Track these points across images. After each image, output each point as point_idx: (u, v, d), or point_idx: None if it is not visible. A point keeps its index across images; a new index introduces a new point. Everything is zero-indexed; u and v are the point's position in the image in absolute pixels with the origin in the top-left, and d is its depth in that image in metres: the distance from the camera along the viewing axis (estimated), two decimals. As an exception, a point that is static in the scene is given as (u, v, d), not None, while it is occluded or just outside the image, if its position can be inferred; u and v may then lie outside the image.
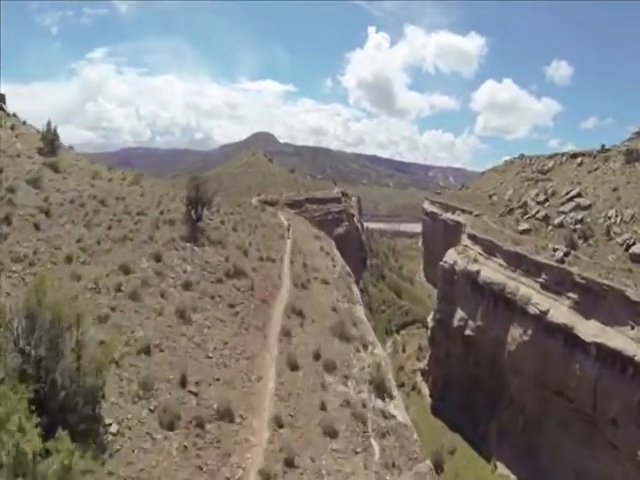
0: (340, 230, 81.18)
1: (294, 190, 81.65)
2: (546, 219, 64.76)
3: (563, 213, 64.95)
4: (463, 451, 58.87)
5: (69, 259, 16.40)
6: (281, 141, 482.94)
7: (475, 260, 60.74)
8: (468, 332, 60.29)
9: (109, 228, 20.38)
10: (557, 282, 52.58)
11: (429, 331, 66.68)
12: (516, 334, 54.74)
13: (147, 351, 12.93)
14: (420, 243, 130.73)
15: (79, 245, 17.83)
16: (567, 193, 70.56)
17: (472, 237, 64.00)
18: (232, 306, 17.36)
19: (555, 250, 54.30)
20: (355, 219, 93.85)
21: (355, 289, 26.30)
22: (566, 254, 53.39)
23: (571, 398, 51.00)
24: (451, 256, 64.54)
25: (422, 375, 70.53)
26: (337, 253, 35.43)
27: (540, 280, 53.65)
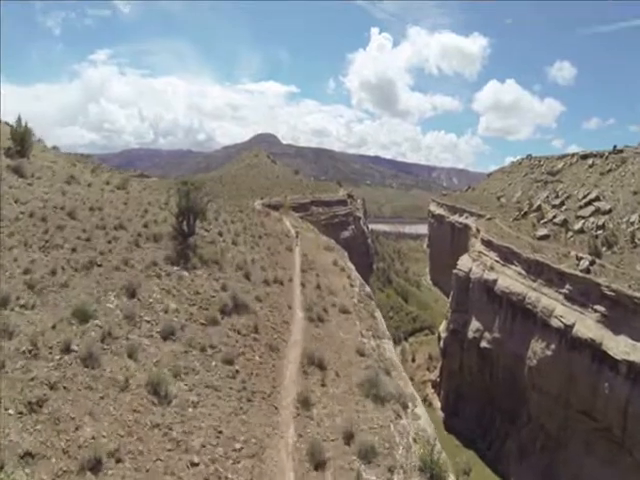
0: (347, 234, 76.19)
1: (299, 192, 76.59)
2: (565, 224, 59.80)
3: (582, 218, 59.97)
4: (479, 471, 53.96)
5: (4, 302, 11.46)
6: (284, 142, 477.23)
7: (491, 268, 55.77)
8: (484, 344, 55.34)
9: (73, 250, 15.39)
10: (582, 293, 47.66)
11: (441, 342, 61.71)
12: (537, 348, 49.79)
13: (96, 465, 7.99)
14: (425, 245, 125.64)
15: (25, 278, 12.85)
16: (585, 196, 65.63)
17: (487, 243, 59.01)
18: (229, 362, 12.38)
19: (579, 259, 49.32)
20: (361, 222, 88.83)
21: (379, 316, 21.43)
22: (591, 263, 48.47)
23: (597, 418, 46.20)
24: (465, 263, 59.53)
25: (433, 387, 65.60)
26: (352, 267, 30.47)
27: (564, 291, 48.70)
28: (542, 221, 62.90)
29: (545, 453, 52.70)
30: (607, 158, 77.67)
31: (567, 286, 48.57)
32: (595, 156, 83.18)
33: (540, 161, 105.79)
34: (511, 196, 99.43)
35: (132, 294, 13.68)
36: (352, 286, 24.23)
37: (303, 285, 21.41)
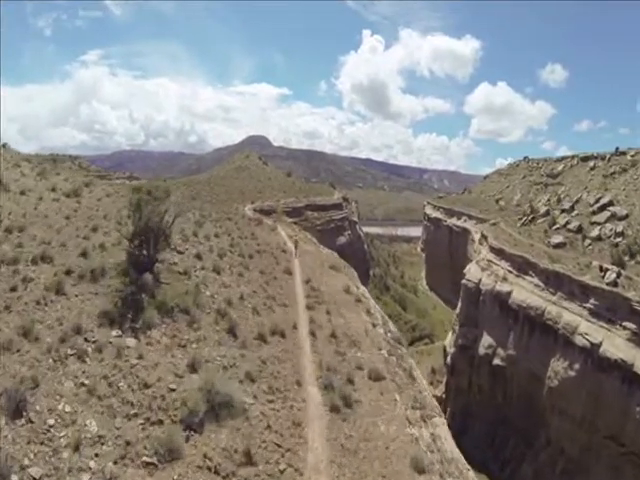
0: (343, 239, 69.69)
1: (292, 195, 69.79)
2: (580, 231, 53.90)
3: (598, 224, 54.14)
4: (493, 500, 47.87)
5: None
6: (275, 144, 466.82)
7: (504, 279, 49.59)
8: (497, 362, 49.14)
9: None
10: (609, 308, 41.75)
11: (448, 358, 55.42)
12: (559, 368, 43.66)
13: None
14: (419, 248, 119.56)
15: None
16: (597, 200, 59.98)
17: (498, 251, 52.86)
18: None
19: (604, 270, 43.38)
20: (357, 227, 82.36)
21: (419, 375, 15.04)
22: (618, 275, 42.65)
23: (626, 443, 40.46)
24: (474, 273, 53.25)
25: (438, 404, 59.41)
26: (367, 293, 23.93)
27: (588, 306, 42.71)
28: (554, 227, 57.02)
29: (565, 478, 46.90)
30: (609, 160, 72.78)
31: (591, 300, 42.52)
32: (596, 158, 78.49)
33: (538, 163, 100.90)
34: (510, 199, 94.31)
35: (17, 410, 6.96)
36: (375, 326, 17.68)
37: (313, 334, 14.76)
